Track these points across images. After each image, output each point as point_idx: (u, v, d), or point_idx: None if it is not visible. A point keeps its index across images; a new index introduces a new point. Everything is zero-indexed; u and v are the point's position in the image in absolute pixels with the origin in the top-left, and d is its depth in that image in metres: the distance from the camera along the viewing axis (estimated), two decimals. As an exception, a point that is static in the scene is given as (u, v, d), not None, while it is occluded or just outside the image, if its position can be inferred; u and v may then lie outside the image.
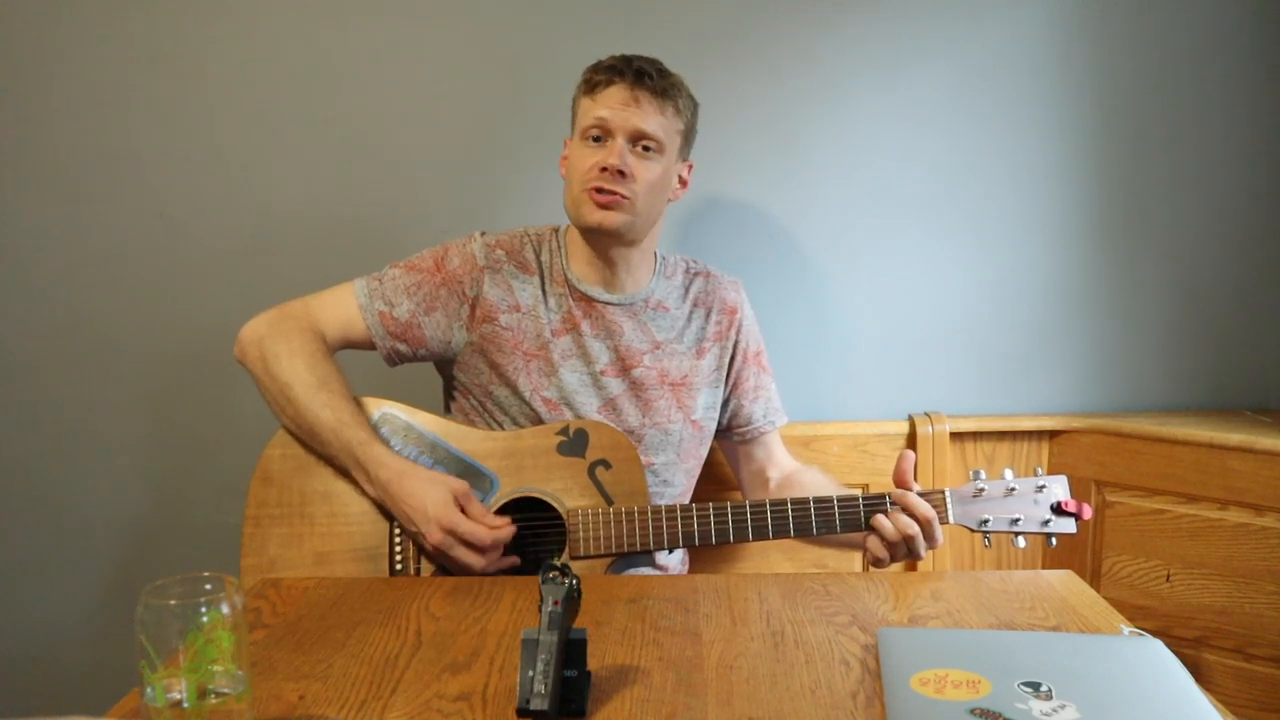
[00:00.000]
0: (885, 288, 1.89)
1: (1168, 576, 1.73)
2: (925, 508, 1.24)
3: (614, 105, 1.36)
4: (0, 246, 1.88)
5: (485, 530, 1.26)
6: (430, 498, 1.27)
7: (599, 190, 1.36)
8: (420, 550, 1.33)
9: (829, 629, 1.05)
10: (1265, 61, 1.82)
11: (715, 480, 1.68)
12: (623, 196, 1.37)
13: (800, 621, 1.07)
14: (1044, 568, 1.87)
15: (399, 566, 1.33)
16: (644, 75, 1.37)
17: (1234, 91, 1.83)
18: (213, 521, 1.86)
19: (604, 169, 1.35)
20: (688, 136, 1.45)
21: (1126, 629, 1.04)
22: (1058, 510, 1.26)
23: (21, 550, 1.94)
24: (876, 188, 1.86)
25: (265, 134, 1.85)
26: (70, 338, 1.89)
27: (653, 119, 1.37)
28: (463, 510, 1.27)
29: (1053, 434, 1.86)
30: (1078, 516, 1.26)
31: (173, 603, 0.77)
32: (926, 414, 1.85)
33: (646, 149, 1.38)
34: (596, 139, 1.38)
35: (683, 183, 1.47)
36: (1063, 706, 0.82)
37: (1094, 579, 1.80)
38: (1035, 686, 0.85)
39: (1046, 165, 1.86)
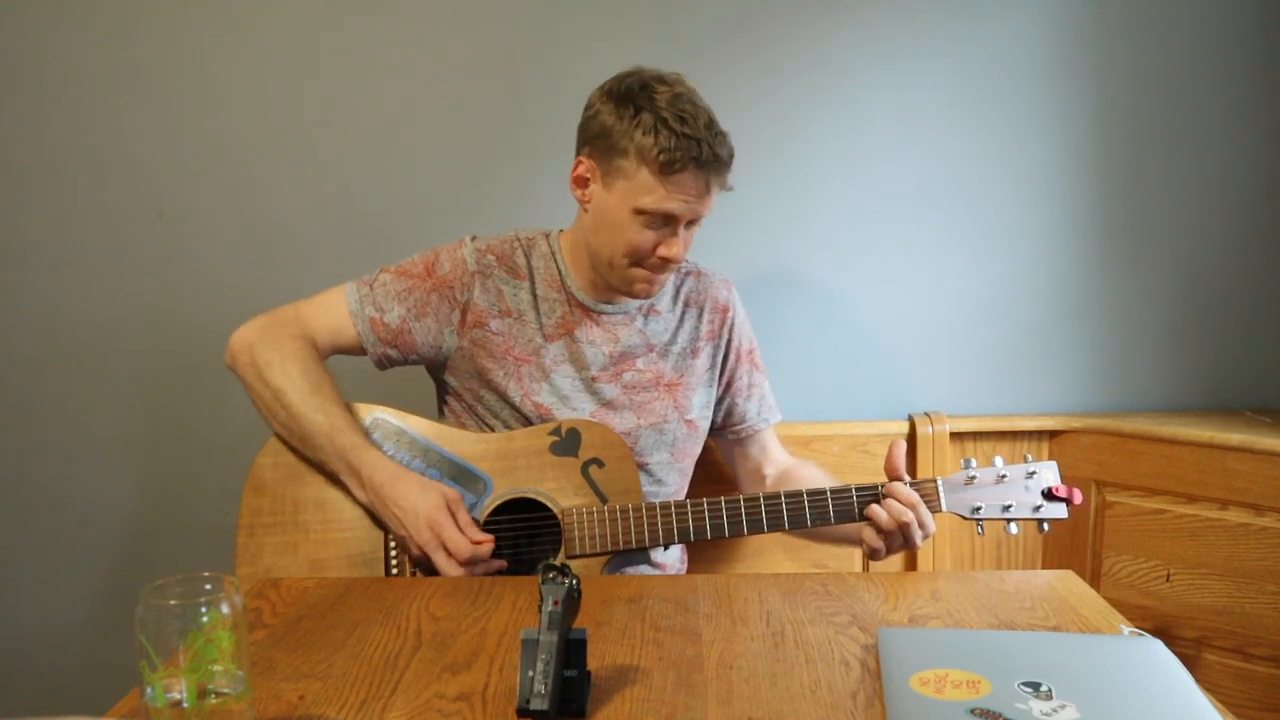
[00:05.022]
0: (885, 288, 1.89)
1: (1168, 576, 1.73)
2: (909, 492, 1.24)
3: (687, 198, 1.31)
4: (0, 246, 1.88)
5: (467, 544, 1.25)
6: (423, 500, 1.27)
7: (652, 270, 1.36)
8: (408, 554, 1.32)
9: (829, 629, 1.05)
10: (1265, 61, 1.82)
11: (715, 480, 1.68)
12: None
13: (800, 621, 1.07)
14: (1043, 567, 1.87)
15: (394, 571, 1.33)
16: (720, 163, 1.31)
17: (1234, 91, 1.83)
18: (212, 522, 1.86)
19: (663, 258, 1.34)
20: None
21: (1126, 629, 1.04)
22: (1049, 496, 1.26)
23: (21, 550, 1.94)
24: (876, 187, 1.86)
25: (265, 134, 1.85)
26: (69, 337, 1.89)
27: (711, 201, 1.35)
28: (453, 517, 1.27)
29: (1053, 434, 1.86)
30: (1069, 501, 1.26)
31: (173, 603, 0.77)
32: (926, 414, 1.85)
33: (694, 223, 1.37)
34: (657, 221, 1.33)
35: None
36: (1063, 706, 0.82)
37: (1094, 579, 1.80)
38: (1035, 686, 0.85)
39: (1046, 165, 1.86)
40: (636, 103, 1.30)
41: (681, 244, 1.35)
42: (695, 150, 1.28)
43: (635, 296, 1.42)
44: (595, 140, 1.34)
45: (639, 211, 1.31)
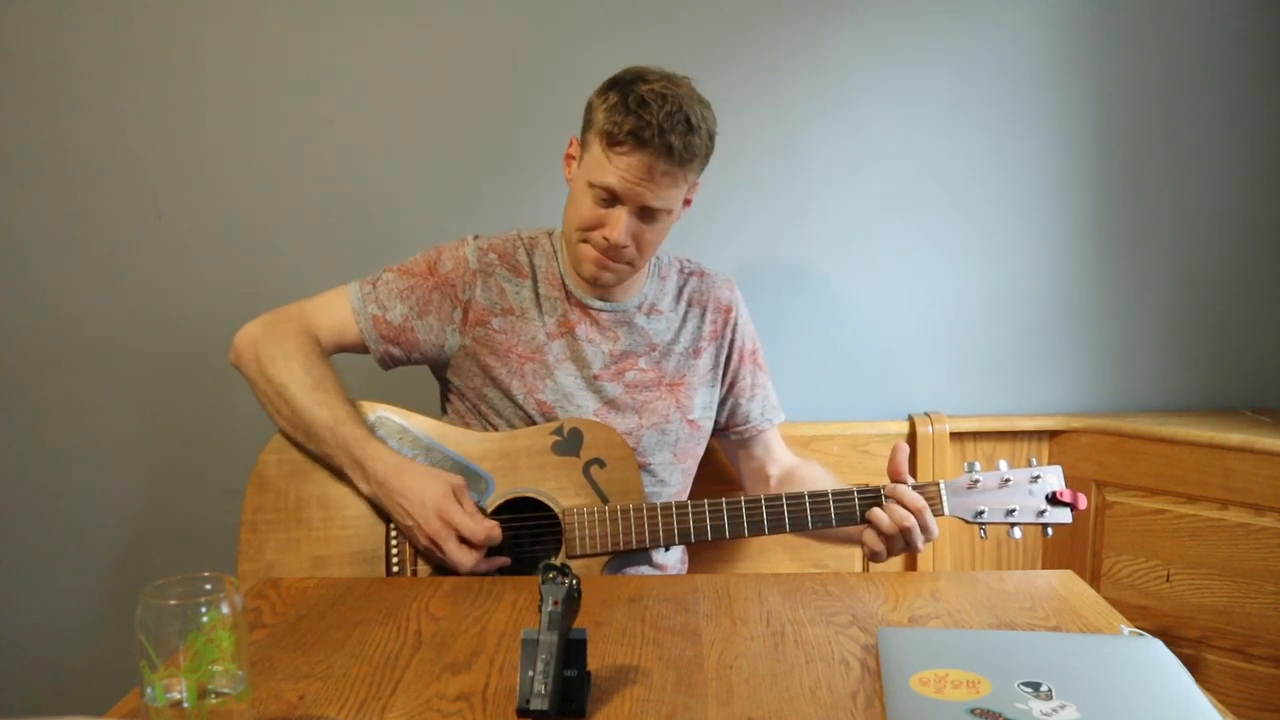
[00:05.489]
0: (885, 288, 1.89)
1: (1168, 576, 1.73)
2: (915, 497, 1.24)
3: (628, 178, 1.30)
4: (0, 246, 1.88)
5: (481, 528, 1.26)
6: (429, 490, 1.27)
7: (599, 251, 1.36)
8: (414, 547, 1.33)
9: (829, 629, 1.05)
10: (1265, 61, 1.82)
11: (719, 480, 1.68)
12: (624, 263, 1.38)
13: (800, 621, 1.07)
14: (1043, 567, 1.87)
15: (395, 569, 1.34)
16: (670, 150, 1.28)
17: (1234, 91, 1.83)
18: (212, 522, 1.86)
19: (604, 237, 1.34)
20: (701, 171, 1.39)
21: (1126, 629, 1.04)
22: (1053, 500, 1.25)
23: (21, 550, 1.94)
24: (876, 187, 1.86)
25: (265, 134, 1.85)
26: (69, 337, 1.89)
27: (665, 193, 1.33)
28: (460, 504, 1.28)
29: (1053, 434, 1.86)
30: (1073, 506, 1.25)
31: (173, 603, 0.77)
32: (926, 414, 1.85)
33: (654, 213, 1.35)
34: (604, 197, 1.33)
35: (687, 203, 1.43)
36: (1063, 706, 0.82)
37: (1094, 579, 1.80)
38: (1035, 686, 0.85)
39: (1047, 165, 1.86)
40: (619, 85, 1.33)
41: (622, 228, 1.33)
42: (642, 129, 1.28)
43: (585, 278, 1.41)
44: (584, 120, 1.39)
45: (590, 185, 1.34)
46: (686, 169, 1.33)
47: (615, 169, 1.31)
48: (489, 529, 1.27)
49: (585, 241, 1.37)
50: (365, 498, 1.33)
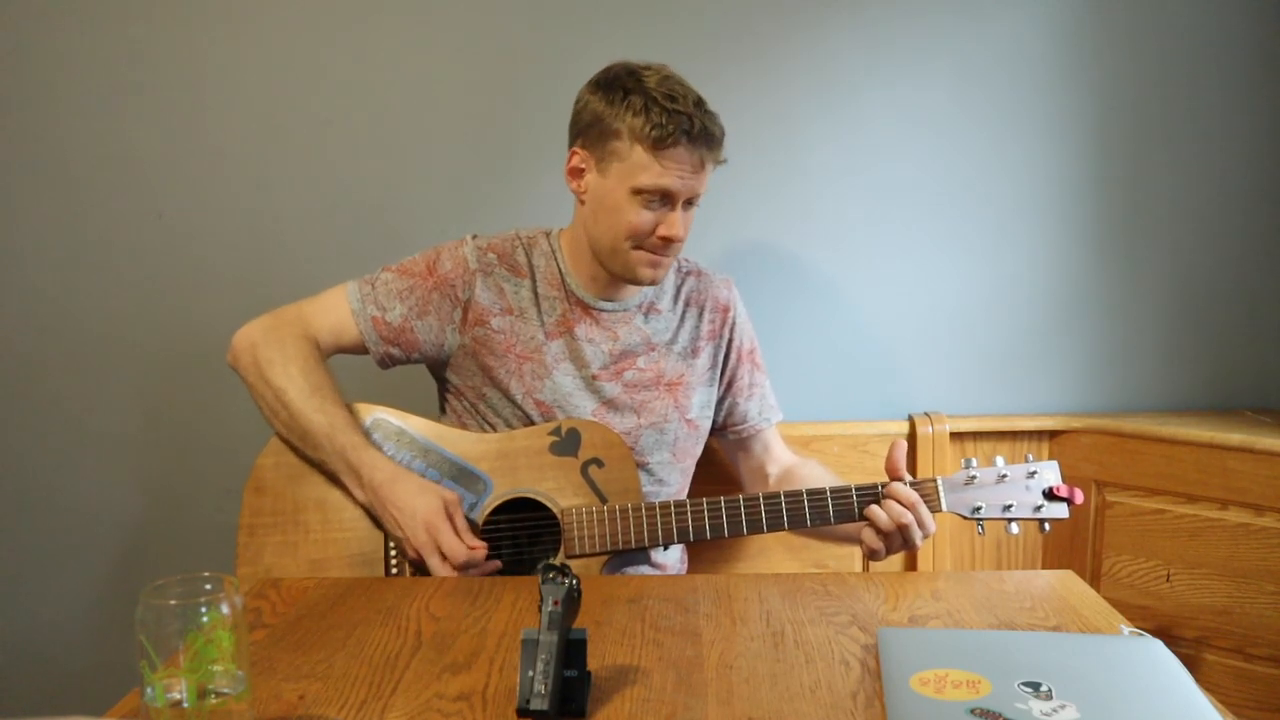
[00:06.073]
0: (885, 288, 1.89)
1: (1168, 576, 1.73)
2: (908, 492, 1.24)
3: (682, 173, 1.31)
4: (0, 246, 1.88)
5: (462, 549, 1.26)
6: (421, 502, 1.27)
7: (653, 252, 1.36)
8: (404, 557, 1.32)
9: (829, 629, 1.05)
10: (1265, 61, 1.82)
11: (719, 480, 1.68)
12: (673, 253, 1.39)
13: (800, 621, 1.07)
14: (1043, 567, 1.87)
15: (394, 572, 1.34)
16: (711, 138, 1.32)
17: (1234, 91, 1.83)
18: (212, 522, 1.86)
19: (664, 238, 1.34)
20: None
21: (1126, 629, 1.04)
22: (1050, 495, 1.26)
23: (21, 550, 1.94)
24: (876, 188, 1.86)
25: (265, 134, 1.85)
26: (69, 337, 1.89)
27: (707, 179, 1.36)
28: (451, 521, 1.28)
29: (1053, 434, 1.86)
30: (1070, 501, 1.26)
31: (173, 603, 0.77)
32: (926, 414, 1.85)
33: (694, 200, 1.37)
34: (653, 199, 1.33)
35: None
36: (1063, 706, 0.82)
37: (1094, 579, 1.80)
38: (1035, 686, 0.85)
39: (1046, 165, 1.86)
40: (625, 87, 1.33)
41: (680, 223, 1.34)
42: (686, 124, 1.29)
43: (639, 282, 1.41)
44: (588, 129, 1.36)
45: (636, 191, 1.32)
46: (720, 151, 1.36)
47: (669, 170, 1.31)
48: (470, 552, 1.26)
49: (639, 248, 1.36)
50: (360, 504, 1.33)
